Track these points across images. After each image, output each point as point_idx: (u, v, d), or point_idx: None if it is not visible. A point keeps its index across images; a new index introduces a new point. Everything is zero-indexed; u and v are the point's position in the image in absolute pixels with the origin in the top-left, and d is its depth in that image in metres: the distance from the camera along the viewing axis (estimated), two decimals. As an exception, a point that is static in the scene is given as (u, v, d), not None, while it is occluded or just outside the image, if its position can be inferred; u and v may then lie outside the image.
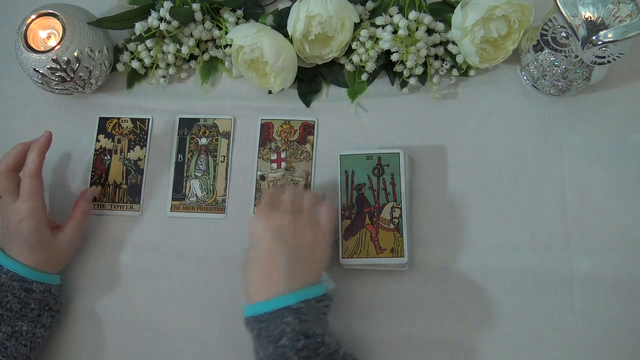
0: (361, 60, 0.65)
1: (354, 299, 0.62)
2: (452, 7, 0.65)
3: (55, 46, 0.64)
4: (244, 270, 0.57)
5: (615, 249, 0.61)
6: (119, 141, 0.70)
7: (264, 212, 0.57)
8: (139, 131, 0.70)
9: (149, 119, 0.70)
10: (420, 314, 0.61)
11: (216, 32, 0.68)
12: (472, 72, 0.66)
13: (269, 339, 0.52)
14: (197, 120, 0.69)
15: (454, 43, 0.65)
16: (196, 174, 0.68)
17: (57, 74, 0.64)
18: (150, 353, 0.63)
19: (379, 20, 0.64)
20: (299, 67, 0.66)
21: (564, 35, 0.57)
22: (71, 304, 0.65)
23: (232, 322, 0.63)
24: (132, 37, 0.69)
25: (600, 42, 0.54)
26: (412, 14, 0.63)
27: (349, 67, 0.67)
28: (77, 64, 0.65)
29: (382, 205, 0.60)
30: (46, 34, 0.66)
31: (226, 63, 0.70)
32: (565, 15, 0.54)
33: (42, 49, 0.64)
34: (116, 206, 0.68)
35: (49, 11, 0.65)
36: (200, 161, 0.68)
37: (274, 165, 0.67)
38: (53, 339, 0.64)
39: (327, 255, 0.57)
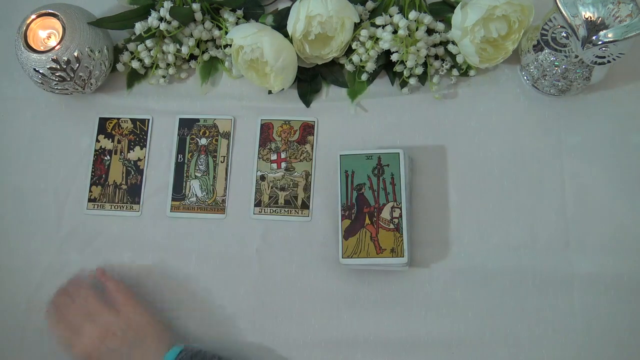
0: (361, 60, 0.65)
1: (354, 299, 0.62)
2: (452, 7, 0.65)
3: (55, 46, 0.64)
4: None
5: (615, 249, 0.61)
6: (118, 141, 0.70)
7: (67, 339, 0.58)
8: (139, 131, 0.70)
9: (149, 120, 0.70)
10: (419, 314, 0.61)
11: (216, 32, 0.68)
12: (472, 72, 0.66)
13: None
14: (197, 120, 0.69)
15: (454, 43, 0.65)
16: (196, 174, 0.68)
17: (57, 74, 0.64)
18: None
19: (379, 20, 0.64)
20: (299, 67, 0.66)
21: (564, 35, 0.57)
22: (71, 304, 0.65)
23: (232, 322, 0.63)
24: (132, 37, 0.69)
25: (600, 42, 0.54)
26: (412, 14, 0.63)
27: (349, 67, 0.67)
28: (77, 64, 0.65)
29: (382, 205, 0.60)
30: (46, 34, 0.66)
31: (226, 63, 0.70)
32: (565, 15, 0.54)
33: (42, 49, 0.64)
34: (116, 206, 0.68)
35: (49, 11, 0.65)
36: (200, 161, 0.68)
37: (274, 165, 0.67)
38: (53, 339, 0.64)
39: (151, 328, 0.58)
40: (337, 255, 0.60)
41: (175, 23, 0.66)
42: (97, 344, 0.56)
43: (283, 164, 0.67)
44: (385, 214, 0.59)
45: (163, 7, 0.65)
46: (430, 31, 0.65)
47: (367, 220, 0.60)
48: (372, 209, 0.60)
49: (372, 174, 0.61)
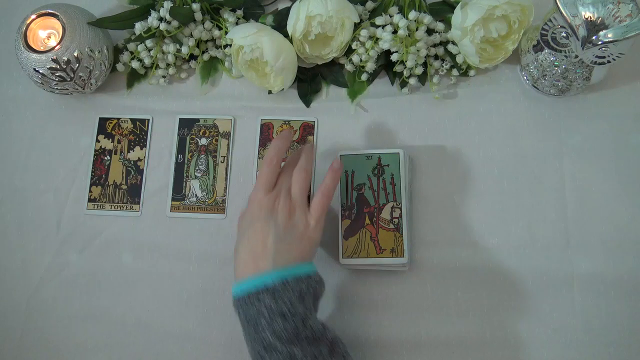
0: (361, 60, 0.65)
1: (354, 299, 0.62)
2: (452, 7, 0.65)
3: (55, 46, 0.64)
4: (234, 251, 0.56)
5: (615, 249, 0.61)
6: (118, 141, 0.70)
7: (261, 191, 0.56)
8: (139, 131, 0.70)
9: (148, 120, 0.70)
10: (420, 314, 0.61)
11: (216, 32, 0.68)
12: (472, 72, 0.66)
13: (248, 320, 0.51)
14: (197, 120, 0.69)
15: (454, 43, 0.65)
16: (196, 174, 0.68)
17: (57, 74, 0.64)
18: (151, 353, 0.63)
19: (379, 20, 0.64)
20: (299, 67, 0.66)
21: (564, 35, 0.57)
22: (72, 304, 0.65)
23: (232, 323, 0.63)
24: (132, 37, 0.69)
25: (600, 42, 0.54)
26: (412, 14, 0.63)
27: (349, 67, 0.67)
28: (77, 64, 0.65)
29: (382, 205, 0.60)
30: (46, 34, 0.66)
31: (226, 63, 0.70)
32: (565, 15, 0.54)
33: (42, 49, 0.64)
34: (116, 206, 0.68)
35: (49, 11, 0.65)
36: (200, 161, 0.68)
37: (274, 165, 0.67)
38: (53, 339, 0.64)
39: (315, 236, 0.56)
40: (337, 255, 0.60)
41: (175, 23, 0.66)
42: (285, 203, 0.55)
43: (283, 164, 0.67)
44: (385, 214, 0.59)
45: (163, 7, 0.65)
46: (430, 31, 0.65)
47: (367, 221, 0.60)
48: (372, 209, 0.60)
49: (372, 174, 0.61)
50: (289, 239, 0.54)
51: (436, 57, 0.67)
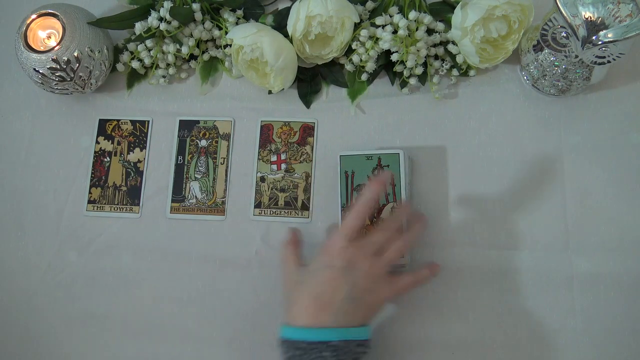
0: (361, 60, 0.65)
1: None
2: (452, 7, 0.65)
3: (55, 46, 0.63)
4: (293, 287, 0.54)
5: (615, 249, 0.61)
6: (118, 143, 0.70)
7: (344, 239, 0.53)
8: (139, 133, 0.70)
9: (148, 121, 0.70)
10: (420, 314, 0.61)
11: (216, 32, 0.68)
12: (472, 72, 0.66)
13: None
14: (197, 122, 0.69)
15: (454, 43, 0.65)
16: (196, 175, 0.68)
17: (57, 74, 0.64)
18: (151, 353, 0.63)
19: (379, 20, 0.64)
20: (299, 67, 0.66)
21: (564, 35, 0.57)
22: (72, 306, 0.65)
23: (231, 323, 0.63)
24: (132, 37, 0.68)
25: (600, 42, 0.54)
26: (412, 14, 0.63)
27: (349, 67, 0.67)
28: (77, 64, 0.65)
29: (382, 206, 0.60)
30: (46, 34, 0.66)
31: (226, 63, 0.70)
32: (565, 15, 0.54)
33: (42, 49, 0.64)
34: (116, 208, 0.68)
35: (49, 11, 0.65)
36: (200, 163, 0.68)
37: (274, 167, 0.67)
38: (53, 340, 0.64)
39: (383, 306, 0.55)
40: None
41: (175, 23, 0.66)
42: (370, 267, 0.53)
43: (283, 166, 0.67)
44: (386, 214, 0.59)
45: (163, 7, 0.65)
46: (430, 31, 0.65)
47: (367, 221, 0.60)
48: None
49: (372, 175, 0.61)
50: (360, 301, 0.52)
51: (436, 57, 0.67)
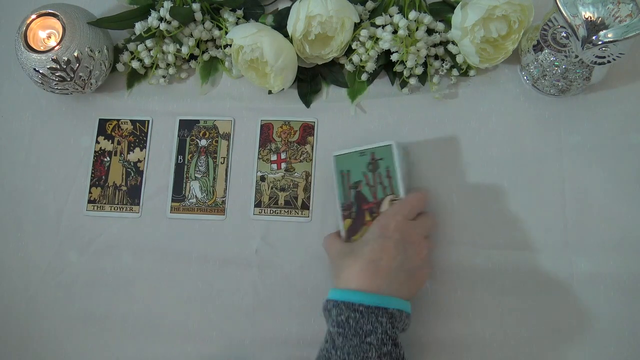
0: (361, 60, 0.65)
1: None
2: (452, 7, 0.65)
3: (55, 46, 0.63)
4: (343, 257, 0.55)
5: (615, 249, 0.61)
6: (118, 143, 0.70)
7: (402, 215, 0.56)
8: (139, 133, 0.70)
9: (148, 121, 0.70)
10: (420, 314, 0.61)
11: (216, 32, 0.68)
12: (472, 72, 0.66)
13: (356, 330, 0.50)
14: (197, 121, 0.69)
15: (454, 43, 0.65)
16: (196, 175, 0.68)
17: (57, 74, 0.64)
18: (150, 353, 0.63)
19: (379, 20, 0.64)
20: (299, 67, 0.66)
21: (564, 35, 0.57)
22: (72, 306, 0.65)
23: (232, 323, 0.63)
24: (132, 37, 0.69)
25: (600, 42, 0.54)
26: (412, 14, 0.63)
27: (349, 67, 0.67)
28: (77, 64, 0.65)
29: (380, 200, 0.60)
30: (46, 34, 0.66)
31: (226, 63, 0.70)
32: (565, 15, 0.54)
33: (42, 49, 0.64)
34: (116, 208, 0.68)
35: (49, 11, 0.65)
36: (200, 163, 0.68)
37: (274, 166, 0.67)
38: (53, 340, 0.64)
39: (423, 286, 0.57)
40: None
41: (175, 23, 0.66)
42: (421, 242, 0.56)
43: (283, 165, 0.67)
44: (385, 207, 0.59)
45: (163, 7, 0.65)
46: (430, 31, 0.65)
47: (368, 217, 0.59)
48: (371, 205, 0.60)
49: (367, 170, 0.61)
50: (411, 275, 0.54)
51: (436, 57, 0.67)
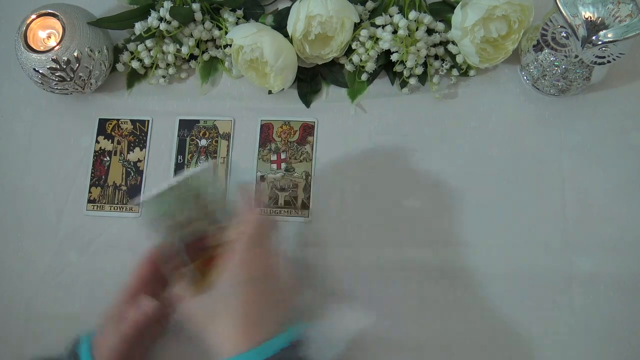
0: (361, 60, 0.65)
1: (354, 299, 0.62)
2: (452, 7, 0.65)
3: (55, 46, 0.63)
4: (208, 321, 0.48)
5: (615, 249, 0.61)
6: (118, 142, 0.70)
7: (255, 245, 0.49)
8: (139, 132, 0.70)
9: (148, 121, 0.70)
10: (420, 314, 0.61)
11: (216, 32, 0.68)
12: (472, 72, 0.66)
13: None
14: (197, 121, 0.69)
15: (454, 43, 0.65)
16: (196, 174, 0.68)
17: (57, 74, 0.64)
18: (150, 353, 0.63)
19: (379, 20, 0.64)
20: (299, 67, 0.66)
21: (564, 35, 0.57)
22: (72, 305, 0.65)
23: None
24: (132, 37, 0.69)
25: (600, 42, 0.54)
26: (412, 14, 0.63)
27: (349, 67, 0.67)
28: (77, 64, 0.65)
29: (213, 232, 0.52)
30: (46, 34, 0.66)
31: (226, 63, 0.70)
32: (565, 15, 0.55)
33: (42, 49, 0.64)
34: (115, 207, 0.68)
35: (49, 11, 0.65)
36: (200, 163, 0.68)
37: (274, 166, 0.67)
38: (53, 340, 0.64)
39: (297, 295, 0.54)
40: (337, 256, 0.60)
41: (175, 23, 0.66)
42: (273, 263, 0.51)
43: (283, 165, 0.67)
44: (217, 239, 0.52)
45: (163, 7, 0.65)
46: (430, 31, 0.65)
47: (207, 254, 0.52)
48: (205, 240, 0.52)
49: (187, 204, 0.52)
50: (282, 299, 0.50)
51: (436, 57, 0.67)
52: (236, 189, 0.51)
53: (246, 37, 0.62)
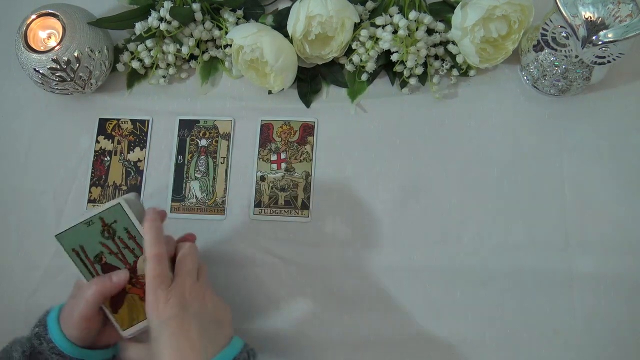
0: (361, 60, 0.65)
1: (354, 299, 0.62)
2: (452, 7, 0.65)
3: (55, 46, 0.64)
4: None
5: (615, 249, 0.61)
6: (118, 142, 0.70)
7: (167, 290, 0.49)
8: (139, 132, 0.70)
9: (148, 120, 0.70)
10: (419, 314, 0.61)
11: (216, 32, 0.68)
12: (472, 72, 0.66)
13: None
14: (197, 121, 0.69)
15: (454, 43, 0.65)
16: (196, 175, 0.68)
17: (57, 74, 0.64)
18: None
19: (379, 20, 0.64)
20: (299, 67, 0.66)
21: (564, 35, 0.57)
22: (71, 305, 0.65)
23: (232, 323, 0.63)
24: (132, 37, 0.69)
25: (600, 42, 0.54)
26: (412, 14, 0.63)
27: (349, 67, 0.67)
28: (77, 64, 0.65)
29: (134, 263, 0.53)
30: (46, 34, 0.66)
31: (226, 63, 0.70)
32: (565, 15, 0.55)
33: (42, 49, 0.64)
34: (116, 207, 0.68)
35: (49, 11, 0.65)
36: (200, 162, 0.68)
37: (274, 166, 0.67)
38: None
39: (230, 319, 0.53)
40: (333, 258, 0.60)
41: (175, 23, 0.66)
42: (192, 286, 0.51)
43: (283, 165, 0.67)
44: (141, 269, 0.53)
45: (163, 7, 0.65)
46: (430, 31, 0.65)
47: (128, 285, 0.52)
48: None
49: (105, 238, 0.52)
50: (217, 328, 0.51)
51: (436, 57, 0.67)
52: (146, 221, 0.52)
53: (246, 37, 0.62)
